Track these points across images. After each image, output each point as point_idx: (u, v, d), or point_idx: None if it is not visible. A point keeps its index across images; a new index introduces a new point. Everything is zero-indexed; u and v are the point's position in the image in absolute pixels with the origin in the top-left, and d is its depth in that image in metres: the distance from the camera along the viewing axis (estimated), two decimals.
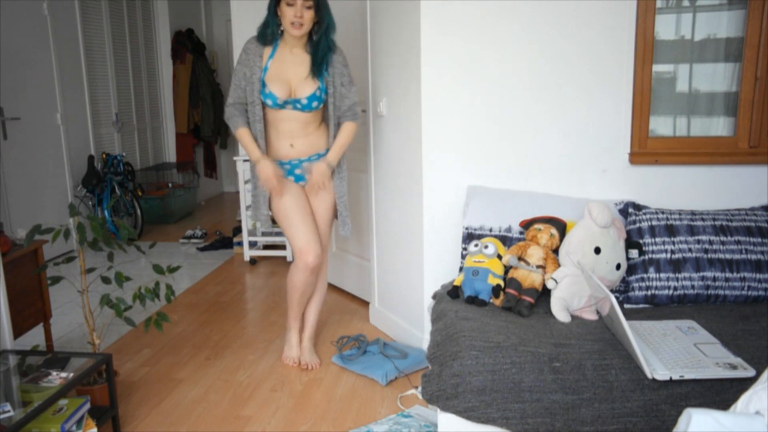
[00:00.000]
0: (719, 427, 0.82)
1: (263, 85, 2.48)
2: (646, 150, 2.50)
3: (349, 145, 2.65)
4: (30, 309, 2.65)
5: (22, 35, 4.39)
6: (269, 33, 2.50)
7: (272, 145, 2.60)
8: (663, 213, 2.28)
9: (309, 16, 2.42)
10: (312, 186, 2.59)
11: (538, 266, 2.14)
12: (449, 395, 1.72)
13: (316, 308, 2.87)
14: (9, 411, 1.84)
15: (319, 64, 2.47)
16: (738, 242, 2.18)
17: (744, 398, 0.91)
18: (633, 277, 2.21)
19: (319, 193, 2.67)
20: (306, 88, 2.48)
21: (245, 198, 4.46)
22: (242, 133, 2.56)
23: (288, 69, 2.49)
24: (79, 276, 2.40)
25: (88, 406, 2.10)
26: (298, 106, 2.49)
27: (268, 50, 2.51)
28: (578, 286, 2.04)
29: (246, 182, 4.46)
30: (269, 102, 2.48)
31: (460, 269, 2.31)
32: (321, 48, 2.47)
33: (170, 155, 6.87)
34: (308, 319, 2.87)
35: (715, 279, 2.14)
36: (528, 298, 2.06)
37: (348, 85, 2.55)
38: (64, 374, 2.06)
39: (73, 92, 5.03)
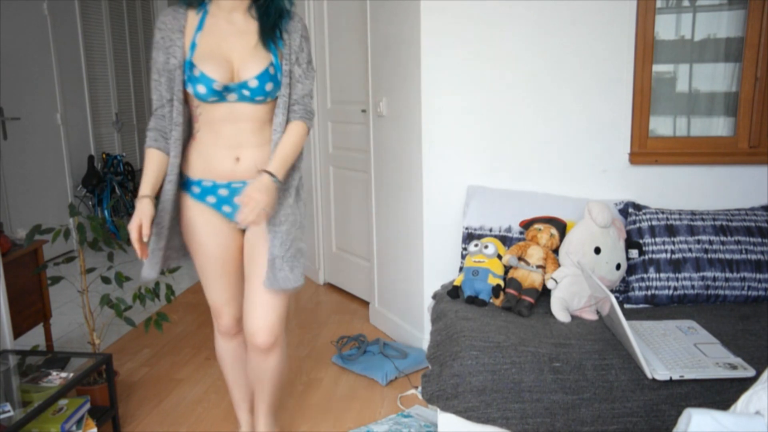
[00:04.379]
0: (719, 427, 0.82)
1: (190, 67, 1.68)
2: (646, 150, 2.50)
3: (296, 158, 1.79)
4: (30, 309, 2.65)
5: (22, 35, 4.39)
6: None
7: (205, 158, 1.75)
8: (663, 213, 2.28)
9: None
10: (244, 221, 1.61)
11: (538, 266, 2.14)
12: (449, 395, 1.72)
13: (265, 399, 1.96)
14: (9, 411, 1.84)
15: (270, 28, 1.74)
16: (738, 242, 2.18)
17: (744, 398, 0.91)
18: (633, 277, 2.21)
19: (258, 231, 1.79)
20: (253, 65, 1.70)
21: None
22: (148, 156, 1.74)
23: (226, 42, 1.72)
24: (79, 276, 2.40)
25: (88, 406, 2.10)
26: (245, 93, 1.70)
27: (193, 20, 1.72)
28: (578, 286, 2.04)
29: None
30: (201, 91, 1.67)
31: (460, 269, 2.31)
32: (272, 10, 1.73)
33: None
34: (258, 410, 2.00)
35: (715, 279, 2.14)
36: (528, 298, 2.06)
37: (306, 65, 1.78)
38: (64, 374, 2.06)
39: (73, 92, 5.03)
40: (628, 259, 2.22)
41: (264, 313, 1.80)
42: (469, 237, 2.38)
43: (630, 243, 2.22)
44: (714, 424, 0.82)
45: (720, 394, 1.59)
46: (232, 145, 1.72)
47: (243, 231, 1.85)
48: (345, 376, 2.70)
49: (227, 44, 1.71)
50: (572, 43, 2.45)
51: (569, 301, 2.03)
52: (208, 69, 1.66)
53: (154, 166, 1.71)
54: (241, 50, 1.71)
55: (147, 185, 1.67)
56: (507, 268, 2.19)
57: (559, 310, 2.02)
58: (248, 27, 1.74)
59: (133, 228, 1.60)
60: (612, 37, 2.43)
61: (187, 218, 1.82)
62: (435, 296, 2.33)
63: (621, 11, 2.40)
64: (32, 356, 2.28)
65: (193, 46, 1.70)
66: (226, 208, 1.79)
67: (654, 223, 2.25)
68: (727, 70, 2.52)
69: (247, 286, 1.84)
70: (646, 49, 2.43)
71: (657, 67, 2.52)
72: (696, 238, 2.19)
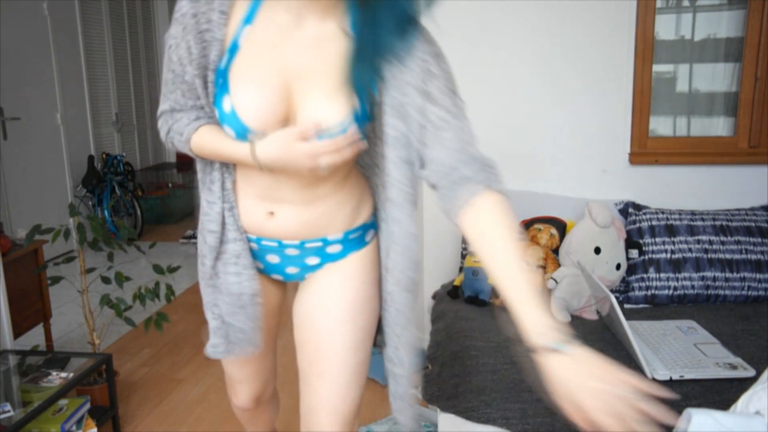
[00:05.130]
0: (719, 427, 0.82)
1: (222, 83, 1.05)
2: (646, 150, 2.50)
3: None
4: (30, 309, 2.65)
5: (22, 35, 4.39)
6: None
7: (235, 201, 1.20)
8: (663, 213, 2.28)
9: None
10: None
11: (538, 266, 2.14)
12: (449, 395, 1.72)
13: None
14: (9, 411, 1.84)
15: (378, 53, 1.03)
16: (738, 242, 2.18)
17: (744, 398, 0.91)
18: (633, 277, 2.21)
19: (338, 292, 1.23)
20: (329, 105, 1.04)
21: None
22: (204, 136, 1.12)
23: (287, 52, 1.05)
24: (79, 276, 2.40)
25: (88, 406, 2.10)
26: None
27: (242, 7, 1.06)
28: (578, 286, 2.04)
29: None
30: (229, 131, 1.07)
31: (460, 269, 2.31)
32: (386, 21, 1.02)
33: (170, 155, 6.86)
34: None
35: (715, 279, 2.14)
36: None
37: (450, 97, 1.07)
38: (64, 374, 2.06)
39: (73, 92, 5.03)
40: (628, 259, 2.22)
41: (332, 420, 1.24)
42: None
43: (630, 243, 2.22)
44: (714, 424, 0.82)
45: (720, 394, 1.59)
46: (266, 196, 1.15)
47: (283, 289, 1.34)
48: None
49: (289, 57, 1.04)
50: (572, 43, 2.45)
51: (569, 301, 2.03)
52: (246, 102, 1.03)
53: (221, 131, 1.09)
54: (312, 74, 1.04)
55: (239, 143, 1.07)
56: None
57: (559, 310, 2.02)
58: (328, 35, 1.05)
59: (331, 144, 1.01)
60: (612, 37, 2.43)
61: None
62: (435, 296, 2.33)
63: (621, 11, 2.40)
64: (32, 356, 2.28)
65: (234, 47, 1.04)
66: (258, 265, 1.24)
67: (654, 223, 2.25)
68: (727, 70, 2.52)
69: (303, 385, 1.28)
70: (646, 49, 2.43)
71: (657, 67, 2.52)
72: (696, 238, 2.19)
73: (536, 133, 2.53)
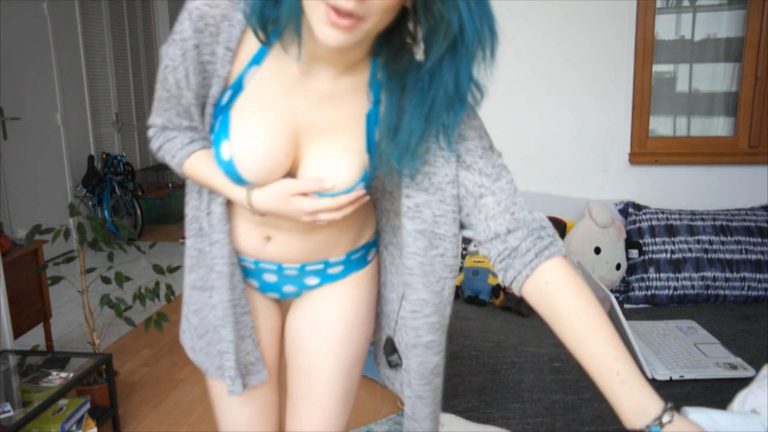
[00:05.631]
0: (715, 425, 0.82)
1: (222, 121, 0.95)
2: (646, 150, 2.50)
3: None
4: (30, 309, 2.65)
5: (22, 35, 4.39)
6: (281, 19, 0.85)
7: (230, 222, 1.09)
8: (663, 213, 2.28)
9: None
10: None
11: None
12: (449, 395, 1.72)
13: None
14: (9, 411, 1.84)
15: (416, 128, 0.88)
16: (738, 242, 2.18)
17: (740, 396, 0.91)
18: (633, 277, 2.21)
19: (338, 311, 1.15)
20: (341, 165, 0.96)
21: None
22: (198, 165, 1.03)
23: (298, 102, 0.93)
24: (79, 276, 2.40)
25: (88, 406, 2.10)
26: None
27: (250, 42, 0.91)
28: None
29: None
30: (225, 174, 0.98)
31: (460, 269, 2.31)
32: (439, 89, 0.86)
33: None
34: None
35: (715, 279, 2.14)
36: None
37: (494, 158, 1.01)
38: (64, 374, 2.06)
39: (73, 92, 5.03)
40: (628, 259, 2.22)
41: None
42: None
43: (630, 243, 2.22)
44: (710, 423, 0.82)
45: (720, 394, 1.59)
46: (263, 222, 1.04)
47: (279, 308, 1.21)
48: None
49: (299, 107, 0.93)
50: (572, 43, 2.45)
51: None
52: (247, 154, 0.92)
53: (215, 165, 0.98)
54: (323, 128, 0.94)
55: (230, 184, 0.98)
56: None
57: None
58: (346, 90, 0.93)
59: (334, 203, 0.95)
60: (612, 37, 2.43)
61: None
62: None
63: (621, 11, 2.40)
64: (32, 356, 2.28)
65: (239, 85, 0.92)
66: (253, 283, 1.14)
67: (654, 223, 2.25)
68: (727, 70, 2.52)
69: (290, 406, 1.22)
70: (646, 49, 2.43)
71: (657, 67, 2.52)
72: (696, 238, 2.19)
73: (536, 133, 2.53)
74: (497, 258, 0.96)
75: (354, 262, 1.14)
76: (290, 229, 1.05)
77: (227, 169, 0.95)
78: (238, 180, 0.96)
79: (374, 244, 1.17)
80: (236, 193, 0.98)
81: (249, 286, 1.14)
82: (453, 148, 0.93)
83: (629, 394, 0.80)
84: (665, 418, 0.77)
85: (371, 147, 0.96)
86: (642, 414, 0.79)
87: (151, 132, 1.08)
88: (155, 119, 1.06)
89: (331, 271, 1.14)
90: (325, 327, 1.15)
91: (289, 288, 1.16)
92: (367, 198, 1.01)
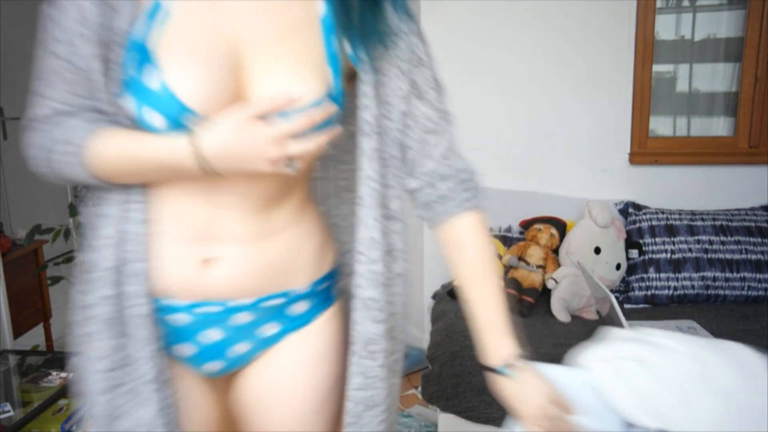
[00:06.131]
0: (553, 376, 0.89)
1: (138, 60, 0.74)
2: (646, 150, 2.50)
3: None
4: (30, 309, 2.65)
5: (23, 35, 4.40)
6: None
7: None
8: (663, 213, 2.28)
9: None
10: None
11: (538, 266, 2.14)
12: (449, 395, 1.72)
13: None
14: (9, 411, 1.84)
15: (363, 21, 0.81)
16: (738, 242, 2.18)
17: (577, 355, 0.96)
18: (633, 277, 2.21)
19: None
20: (298, 81, 0.78)
21: None
22: (110, 141, 0.77)
23: (233, 12, 0.77)
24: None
25: None
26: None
27: None
28: (578, 286, 2.04)
29: None
30: (155, 122, 0.75)
31: None
32: None
33: None
34: None
35: (715, 279, 2.14)
36: (528, 298, 2.06)
37: (436, 92, 0.93)
38: (64, 374, 2.06)
39: None
40: (628, 259, 2.22)
41: None
42: None
43: (630, 243, 2.22)
44: (549, 373, 0.90)
45: None
46: (199, 235, 0.81)
47: (219, 389, 0.93)
48: None
49: (236, 18, 0.77)
50: (572, 43, 2.45)
51: (569, 301, 2.03)
52: (182, 75, 0.73)
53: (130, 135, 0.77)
54: (269, 41, 0.78)
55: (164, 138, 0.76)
56: (507, 268, 2.19)
57: (559, 310, 2.02)
58: (291, 5, 0.79)
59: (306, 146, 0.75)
60: (612, 37, 2.43)
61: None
62: (435, 296, 2.33)
63: (621, 11, 2.40)
64: (32, 356, 2.28)
65: (156, 10, 0.74)
66: (186, 349, 0.85)
67: (654, 223, 2.25)
68: (727, 70, 2.52)
69: None
70: (646, 49, 2.43)
71: (657, 67, 2.51)
72: (696, 238, 2.19)
73: (536, 133, 2.53)
74: (422, 202, 0.94)
75: (321, 296, 0.91)
76: (239, 237, 0.81)
77: (161, 100, 0.72)
78: (176, 110, 0.73)
79: (338, 273, 0.95)
80: (176, 148, 0.74)
81: (174, 360, 0.84)
82: (410, 61, 0.87)
83: (497, 340, 0.91)
84: (514, 363, 0.89)
85: (333, 59, 0.80)
86: (498, 356, 0.90)
87: (27, 136, 0.82)
88: (36, 110, 0.81)
89: (294, 310, 0.88)
90: (298, 398, 0.89)
91: (239, 349, 0.87)
92: (341, 132, 0.83)
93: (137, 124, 0.76)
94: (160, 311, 0.82)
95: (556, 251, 2.22)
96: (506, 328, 0.92)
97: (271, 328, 0.88)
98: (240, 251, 0.82)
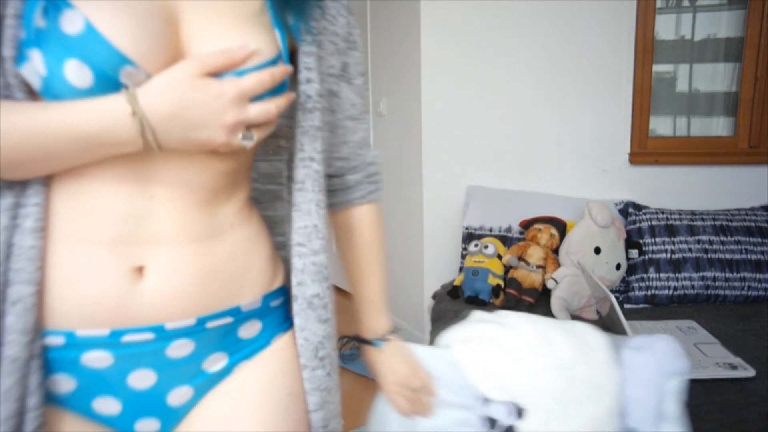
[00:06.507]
0: (419, 355, 0.96)
1: (55, 5, 0.57)
2: (646, 150, 2.50)
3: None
4: None
5: None
6: None
7: (53, 269, 0.63)
8: (663, 213, 2.28)
9: None
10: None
11: (538, 266, 2.14)
12: None
13: None
14: None
15: None
16: (738, 242, 2.18)
17: (439, 337, 1.03)
18: (633, 277, 2.21)
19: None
20: (239, 39, 0.65)
21: None
22: (17, 111, 0.58)
23: None
24: None
25: None
26: None
27: None
28: (578, 286, 2.04)
29: None
30: (72, 78, 0.57)
31: (460, 269, 2.31)
32: None
33: None
34: None
35: (715, 279, 2.14)
36: (528, 298, 2.06)
37: (359, 80, 0.88)
38: None
39: None
40: (628, 259, 2.22)
41: None
42: (469, 237, 2.38)
43: (630, 243, 2.22)
44: (417, 352, 0.96)
45: (720, 394, 1.59)
46: (126, 236, 0.65)
47: None
48: (345, 376, 2.70)
49: None
50: (572, 43, 2.45)
51: (569, 301, 2.03)
52: (110, 16, 0.59)
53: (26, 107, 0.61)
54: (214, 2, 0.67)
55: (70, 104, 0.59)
56: (507, 268, 2.19)
57: (559, 310, 2.02)
58: None
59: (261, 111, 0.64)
60: (612, 37, 2.43)
61: None
62: (435, 296, 2.33)
63: (621, 11, 2.40)
64: None
65: None
66: (110, 405, 0.68)
67: (654, 223, 2.25)
68: (727, 70, 2.52)
69: None
70: (646, 49, 2.43)
71: (657, 67, 2.52)
72: (696, 238, 2.19)
73: (536, 133, 2.53)
74: (328, 189, 0.88)
75: (275, 314, 0.77)
76: (176, 236, 0.66)
77: (85, 45, 0.56)
78: (106, 56, 0.57)
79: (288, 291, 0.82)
80: (106, 112, 0.58)
81: (93, 423, 0.67)
82: (347, 41, 0.83)
83: (374, 317, 0.94)
84: (388, 337, 0.94)
85: (278, 24, 0.70)
86: (373, 331, 0.94)
87: None
88: None
89: (245, 332, 0.74)
90: None
91: (179, 394, 0.70)
92: (294, 97, 0.71)
93: (43, 95, 0.59)
94: (70, 348, 0.62)
95: (556, 251, 2.22)
96: (385, 307, 0.95)
97: (217, 361, 0.71)
98: (178, 256, 0.65)
